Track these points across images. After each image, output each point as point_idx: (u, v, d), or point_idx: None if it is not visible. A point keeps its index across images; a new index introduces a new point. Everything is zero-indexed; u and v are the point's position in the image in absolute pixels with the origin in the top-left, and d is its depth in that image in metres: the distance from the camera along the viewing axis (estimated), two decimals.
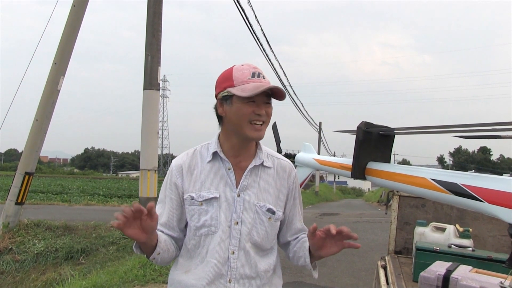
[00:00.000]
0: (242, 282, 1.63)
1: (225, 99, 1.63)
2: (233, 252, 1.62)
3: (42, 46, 10.03)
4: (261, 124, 1.62)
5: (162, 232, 1.67)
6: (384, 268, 3.26)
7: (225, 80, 1.63)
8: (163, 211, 1.70)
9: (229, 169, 1.68)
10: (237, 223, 1.63)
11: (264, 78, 1.61)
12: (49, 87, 9.34)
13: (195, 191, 1.66)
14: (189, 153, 1.76)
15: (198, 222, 1.64)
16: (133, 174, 69.15)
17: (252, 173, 1.69)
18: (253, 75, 1.60)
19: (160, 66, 8.31)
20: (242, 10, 10.47)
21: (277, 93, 1.61)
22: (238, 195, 1.65)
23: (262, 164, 1.71)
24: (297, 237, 1.82)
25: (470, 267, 2.36)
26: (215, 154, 1.69)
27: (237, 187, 1.66)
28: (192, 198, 1.66)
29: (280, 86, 1.61)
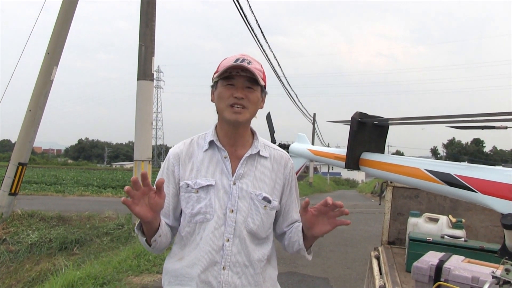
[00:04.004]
0: (236, 270, 1.63)
1: (213, 86, 1.69)
2: (228, 240, 1.63)
3: (35, 36, 9.94)
4: (241, 108, 1.61)
5: None
6: (377, 258, 3.28)
7: (216, 69, 1.67)
8: None
9: (225, 157, 1.69)
10: (232, 211, 1.64)
11: (249, 63, 1.60)
12: (42, 77, 9.27)
13: (191, 178, 1.68)
14: (186, 142, 1.77)
15: (194, 209, 1.65)
16: (127, 165, 69.10)
17: (248, 162, 1.71)
18: (237, 60, 1.61)
19: (154, 56, 8.27)
20: (236, 0, 10.40)
21: (252, 75, 1.60)
22: (234, 183, 1.66)
23: (258, 153, 1.73)
24: (292, 225, 1.82)
25: (463, 257, 2.37)
26: (211, 143, 1.71)
27: (233, 176, 1.67)
28: (188, 186, 1.67)
29: (256, 68, 1.61)
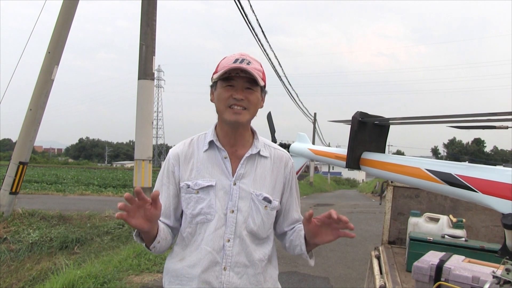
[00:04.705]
0: (237, 270, 1.63)
1: (212, 86, 1.68)
2: (229, 240, 1.62)
3: (36, 35, 9.95)
4: (242, 109, 1.60)
5: (159, 220, 1.67)
6: (378, 258, 3.28)
7: (215, 69, 1.66)
8: (160, 199, 1.70)
9: (225, 157, 1.68)
10: (232, 211, 1.64)
11: (248, 64, 1.59)
12: (43, 76, 9.26)
13: (192, 179, 1.67)
14: (186, 142, 1.76)
15: (194, 210, 1.65)
16: (128, 164, 69.10)
17: (248, 162, 1.70)
18: (236, 60, 1.59)
19: (154, 56, 8.26)
20: (237, 0, 10.39)
21: (251, 76, 1.59)
22: (234, 184, 1.65)
23: (258, 153, 1.72)
24: (294, 227, 1.82)
25: (463, 257, 2.37)
26: (211, 143, 1.70)
27: (233, 176, 1.66)
28: (188, 186, 1.66)
29: (255, 69, 1.59)
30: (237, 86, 1.59)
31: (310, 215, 1.54)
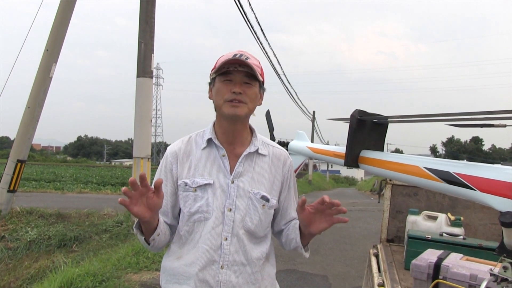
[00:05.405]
0: (235, 268, 1.62)
1: (211, 83, 1.67)
2: (226, 239, 1.62)
3: (34, 32, 9.92)
4: (240, 103, 1.60)
5: None
6: (376, 256, 3.28)
7: (213, 66, 1.66)
8: None
9: (223, 155, 1.67)
10: (230, 209, 1.63)
11: (246, 59, 1.58)
12: (41, 74, 9.24)
13: (189, 177, 1.66)
14: (184, 140, 1.76)
15: (192, 208, 1.64)
16: (127, 162, 68.94)
17: (246, 160, 1.69)
18: (234, 56, 1.59)
19: (153, 53, 8.24)
20: None
21: (250, 70, 1.59)
22: (232, 182, 1.65)
23: (257, 151, 1.71)
24: (290, 223, 1.82)
25: (461, 255, 2.37)
26: (209, 140, 1.69)
27: (231, 174, 1.66)
28: (186, 184, 1.65)
29: (254, 64, 1.59)
30: (235, 81, 1.59)
31: (303, 201, 1.53)
